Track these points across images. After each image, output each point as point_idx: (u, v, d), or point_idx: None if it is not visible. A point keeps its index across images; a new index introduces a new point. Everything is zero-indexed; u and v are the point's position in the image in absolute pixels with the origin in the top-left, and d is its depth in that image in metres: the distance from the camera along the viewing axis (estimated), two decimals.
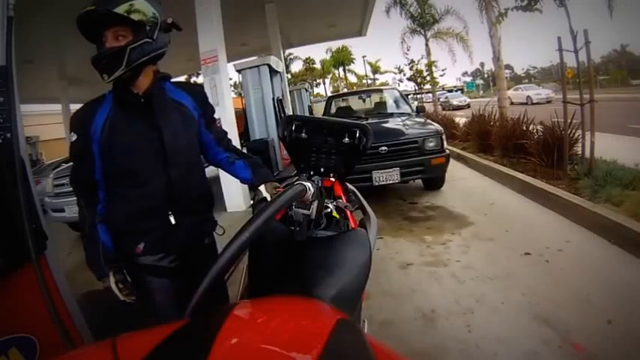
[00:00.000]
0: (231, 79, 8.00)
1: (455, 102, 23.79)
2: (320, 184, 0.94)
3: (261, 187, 1.17)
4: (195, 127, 1.18)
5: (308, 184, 0.79)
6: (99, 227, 1.09)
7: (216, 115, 1.31)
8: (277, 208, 0.65)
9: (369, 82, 31.77)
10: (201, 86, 1.24)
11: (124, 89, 1.08)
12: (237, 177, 1.27)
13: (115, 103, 1.08)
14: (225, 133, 1.30)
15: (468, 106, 15.22)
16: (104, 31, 1.00)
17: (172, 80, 1.22)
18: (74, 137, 1.07)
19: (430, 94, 13.10)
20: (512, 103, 11.02)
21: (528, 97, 19.20)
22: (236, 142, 4.99)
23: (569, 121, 3.85)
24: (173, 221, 1.12)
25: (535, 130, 4.67)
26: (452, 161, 4.73)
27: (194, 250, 1.18)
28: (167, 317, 1.05)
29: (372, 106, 6.20)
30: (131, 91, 1.08)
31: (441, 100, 19.16)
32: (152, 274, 1.11)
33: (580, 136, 3.80)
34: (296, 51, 27.48)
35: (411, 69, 11.73)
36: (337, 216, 1.10)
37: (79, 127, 1.07)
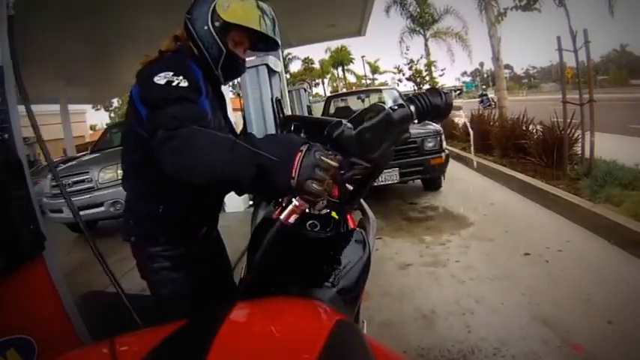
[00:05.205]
0: None
1: None
2: None
3: None
4: None
5: None
6: None
7: None
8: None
9: (368, 82, 31.75)
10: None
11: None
12: None
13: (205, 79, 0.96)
14: None
15: None
16: (244, 43, 1.01)
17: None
18: (185, 83, 0.80)
19: None
20: None
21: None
22: None
23: (568, 121, 3.86)
24: None
25: (535, 130, 4.67)
26: (451, 161, 4.72)
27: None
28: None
29: None
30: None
31: None
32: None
33: (580, 136, 3.80)
34: (295, 51, 27.43)
35: (410, 69, 11.72)
36: (336, 216, 1.09)
37: (192, 80, 0.84)
